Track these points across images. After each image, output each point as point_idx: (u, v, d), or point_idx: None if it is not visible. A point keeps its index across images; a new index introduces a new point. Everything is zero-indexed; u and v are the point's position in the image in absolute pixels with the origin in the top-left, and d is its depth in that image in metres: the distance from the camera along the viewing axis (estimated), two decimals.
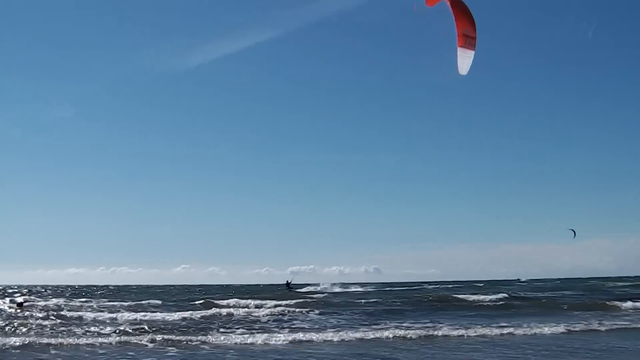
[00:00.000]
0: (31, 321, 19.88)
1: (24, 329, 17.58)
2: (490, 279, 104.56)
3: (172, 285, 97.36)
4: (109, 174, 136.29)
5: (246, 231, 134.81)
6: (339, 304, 31.10)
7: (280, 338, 15.82)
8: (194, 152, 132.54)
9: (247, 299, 34.29)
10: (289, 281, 55.77)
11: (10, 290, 59.66)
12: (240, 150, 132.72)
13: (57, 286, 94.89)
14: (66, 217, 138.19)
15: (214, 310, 24.99)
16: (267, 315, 23.54)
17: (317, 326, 19.59)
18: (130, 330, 17.54)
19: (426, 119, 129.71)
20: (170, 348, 14.42)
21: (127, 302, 35.16)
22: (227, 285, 68.80)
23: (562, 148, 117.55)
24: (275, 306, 27.40)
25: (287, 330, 18.26)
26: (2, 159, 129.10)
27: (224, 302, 31.17)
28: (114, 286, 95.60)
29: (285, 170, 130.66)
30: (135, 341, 15.39)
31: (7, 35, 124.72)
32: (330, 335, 16.30)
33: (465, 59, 11.56)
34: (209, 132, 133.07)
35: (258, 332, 17.31)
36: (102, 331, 17.41)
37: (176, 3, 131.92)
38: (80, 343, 15.01)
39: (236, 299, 32.92)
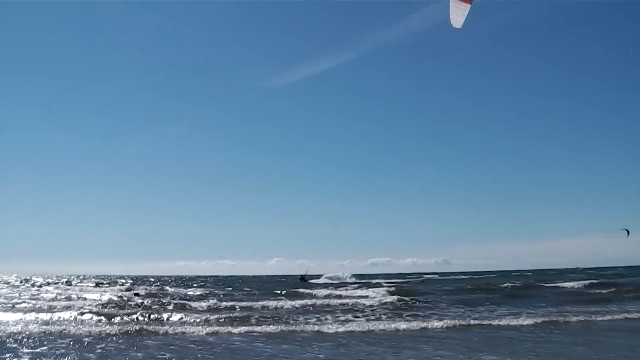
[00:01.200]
0: (137, 310, 20.22)
1: (135, 317, 17.69)
2: (544, 268, 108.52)
3: (269, 276, 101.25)
4: (215, 184, 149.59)
5: (331, 228, 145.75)
6: (426, 293, 30.42)
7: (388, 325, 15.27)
8: (284, 162, 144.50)
9: (339, 288, 34.82)
10: (304, 274, 54.47)
11: (129, 280, 64.80)
12: (325, 159, 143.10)
13: (170, 276, 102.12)
14: (178, 218, 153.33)
15: (310, 300, 24.79)
16: (376, 305, 22.98)
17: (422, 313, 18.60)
18: (239, 315, 17.51)
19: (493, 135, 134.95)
20: (282, 333, 14.02)
21: (226, 290, 36.62)
22: (319, 275, 69.89)
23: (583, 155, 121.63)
24: (383, 295, 27.44)
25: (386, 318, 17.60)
26: (129, 172, 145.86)
27: (324, 292, 31.17)
28: (217, 276, 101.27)
29: (367, 179, 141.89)
30: (252, 330, 14.99)
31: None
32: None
33: (459, 11, 10.37)
34: (298, 143, 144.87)
35: (363, 320, 16.94)
36: (207, 317, 17.23)
37: (266, 33, 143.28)
38: (179, 331, 14.76)
39: (330, 290, 33.45)
